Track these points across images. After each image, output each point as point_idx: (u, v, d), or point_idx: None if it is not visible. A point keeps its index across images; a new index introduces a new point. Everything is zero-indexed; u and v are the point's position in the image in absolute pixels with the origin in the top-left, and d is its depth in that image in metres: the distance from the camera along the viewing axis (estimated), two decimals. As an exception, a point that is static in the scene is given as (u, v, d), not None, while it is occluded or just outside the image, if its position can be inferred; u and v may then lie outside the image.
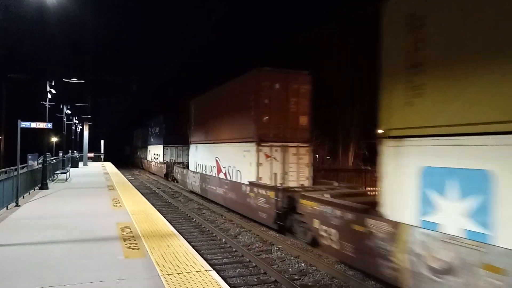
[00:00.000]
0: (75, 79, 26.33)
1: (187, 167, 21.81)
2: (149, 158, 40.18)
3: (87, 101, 37.25)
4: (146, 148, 42.18)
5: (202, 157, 18.44)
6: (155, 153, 36.42)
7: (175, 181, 26.69)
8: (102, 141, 53.92)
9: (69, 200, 12.99)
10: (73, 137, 42.76)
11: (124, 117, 66.80)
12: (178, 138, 31.80)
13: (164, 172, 29.93)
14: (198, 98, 19.90)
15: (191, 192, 20.60)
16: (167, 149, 33.59)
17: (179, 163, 28.83)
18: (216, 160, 16.18)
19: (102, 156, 49.37)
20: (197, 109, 19.98)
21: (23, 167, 13.60)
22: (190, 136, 20.71)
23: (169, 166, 29.02)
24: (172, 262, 5.97)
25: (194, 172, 19.70)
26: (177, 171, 24.58)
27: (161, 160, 33.41)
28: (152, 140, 39.01)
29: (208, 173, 17.32)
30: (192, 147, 20.49)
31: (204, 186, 17.60)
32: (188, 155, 24.93)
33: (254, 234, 11.19)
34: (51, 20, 15.22)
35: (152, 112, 45.94)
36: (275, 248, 9.70)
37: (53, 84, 19.20)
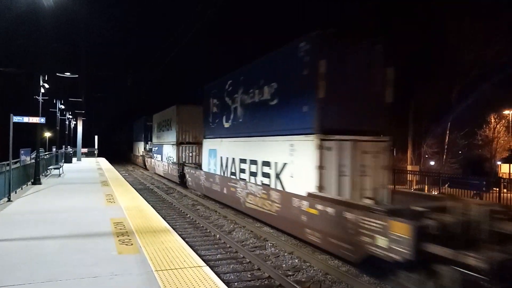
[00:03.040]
0: (69, 74, 26.08)
1: None
2: (215, 167, 15.83)
3: (81, 96, 36.98)
4: (193, 145, 23.19)
5: None
6: (267, 160, 11.24)
7: None
8: (96, 137, 53.44)
9: (62, 196, 12.90)
10: (66, 132, 42.43)
11: (125, 108, 64.45)
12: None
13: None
14: None
15: None
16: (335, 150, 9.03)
17: None
18: None
19: (96, 152, 49.00)
20: None
21: (15, 162, 13.48)
22: None
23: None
24: (165, 258, 5.95)
25: None
26: None
27: (314, 182, 8.79)
28: (232, 122, 14.28)
29: None
30: None
31: None
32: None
33: (248, 230, 11.20)
34: (45, 14, 15.04)
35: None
36: (269, 244, 9.72)
37: (46, 78, 19.01)
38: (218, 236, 10.61)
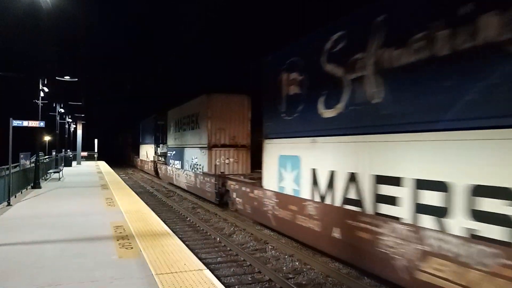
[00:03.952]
0: (68, 77, 26.12)
1: None
2: (297, 187, 9.70)
3: (81, 99, 37.01)
4: None
5: None
6: None
7: None
8: (96, 140, 53.45)
9: (62, 200, 12.89)
10: (66, 136, 42.45)
11: (125, 110, 64.28)
12: None
13: None
14: None
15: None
16: None
17: None
18: None
19: (95, 155, 48.99)
20: None
21: (15, 166, 13.47)
22: None
23: None
24: (166, 262, 5.95)
25: None
26: None
27: None
28: None
29: None
30: None
31: None
32: None
33: (248, 233, 11.18)
34: (44, 17, 15.06)
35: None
36: (270, 246, 9.70)
37: (45, 82, 19.02)
38: (218, 239, 10.60)
